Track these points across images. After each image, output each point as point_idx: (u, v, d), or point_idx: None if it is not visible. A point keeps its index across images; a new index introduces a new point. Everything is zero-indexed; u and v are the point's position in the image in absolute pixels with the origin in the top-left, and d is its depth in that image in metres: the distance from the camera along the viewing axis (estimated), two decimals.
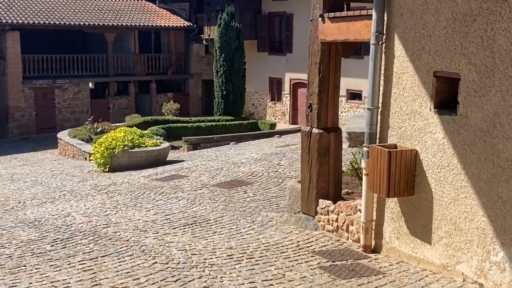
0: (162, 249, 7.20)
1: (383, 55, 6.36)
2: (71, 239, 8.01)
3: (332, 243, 7.13)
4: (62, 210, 10.28)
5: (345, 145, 13.78)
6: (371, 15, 6.69)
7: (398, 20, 6.14)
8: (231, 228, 8.16)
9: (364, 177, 6.59)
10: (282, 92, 26.71)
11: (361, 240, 6.72)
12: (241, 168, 12.76)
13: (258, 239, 7.51)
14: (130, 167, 15.38)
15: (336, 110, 7.93)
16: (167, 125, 22.62)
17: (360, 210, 6.96)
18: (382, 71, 6.38)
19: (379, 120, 6.46)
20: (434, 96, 5.76)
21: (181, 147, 20.47)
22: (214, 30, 27.45)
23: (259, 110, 28.16)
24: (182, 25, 30.53)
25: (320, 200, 7.79)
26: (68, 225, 8.91)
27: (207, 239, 7.61)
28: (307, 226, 7.95)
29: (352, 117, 16.32)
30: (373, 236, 6.65)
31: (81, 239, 7.95)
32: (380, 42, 6.28)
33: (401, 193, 6.00)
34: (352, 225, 7.12)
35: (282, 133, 21.46)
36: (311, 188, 7.92)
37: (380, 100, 6.43)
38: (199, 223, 8.61)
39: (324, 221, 7.69)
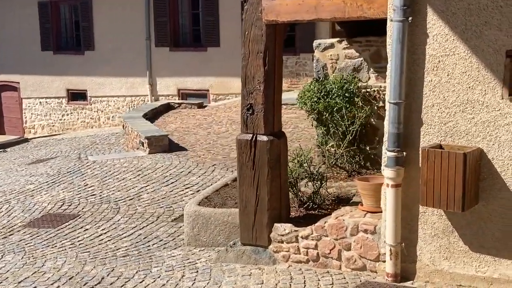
0: None
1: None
2: None
3: (331, 279, 5.58)
4: None
5: (143, 152, 11.90)
6: None
7: None
8: (163, 285, 5.91)
9: (390, 190, 5.22)
10: None
11: (387, 267, 5.34)
12: (39, 198, 9.88)
13: None
14: None
15: (280, 111, 6.32)
16: None
17: (366, 231, 5.58)
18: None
19: (403, 116, 5.15)
20: (508, 80, 4.74)
21: None
22: None
23: None
24: None
25: (278, 225, 6.14)
26: None
27: None
28: (259, 260, 6.20)
29: (127, 119, 14.22)
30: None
31: None
32: (410, 19, 4.97)
33: (472, 203, 4.86)
34: (349, 250, 5.69)
35: (3, 146, 17.90)
36: (259, 211, 6.18)
37: (404, 92, 5.13)
38: None
39: (288, 251, 6.06)
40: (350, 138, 7.94)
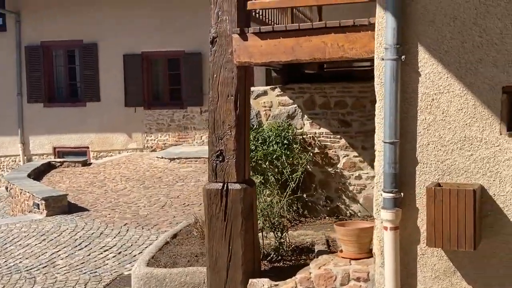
0: None
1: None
2: None
3: None
4: None
5: (39, 215, 10.87)
6: (339, 27, 5.30)
7: (424, 28, 4.90)
8: None
9: (389, 233, 5.00)
10: None
11: None
12: None
13: None
14: None
15: (249, 157, 5.96)
16: None
17: (359, 279, 5.32)
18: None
19: (398, 156, 5.02)
20: (506, 116, 4.79)
21: None
22: None
23: None
24: None
25: (254, 281, 5.70)
26: None
27: None
28: None
29: (12, 180, 12.91)
30: None
31: None
32: (403, 57, 4.90)
33: (479, 241, 4.78)
34: None
35: None
36: (232, 267, 5.72)
37: (398, 131, 5.02)
38: None
39: None
40: (294, 185, 7.70)
